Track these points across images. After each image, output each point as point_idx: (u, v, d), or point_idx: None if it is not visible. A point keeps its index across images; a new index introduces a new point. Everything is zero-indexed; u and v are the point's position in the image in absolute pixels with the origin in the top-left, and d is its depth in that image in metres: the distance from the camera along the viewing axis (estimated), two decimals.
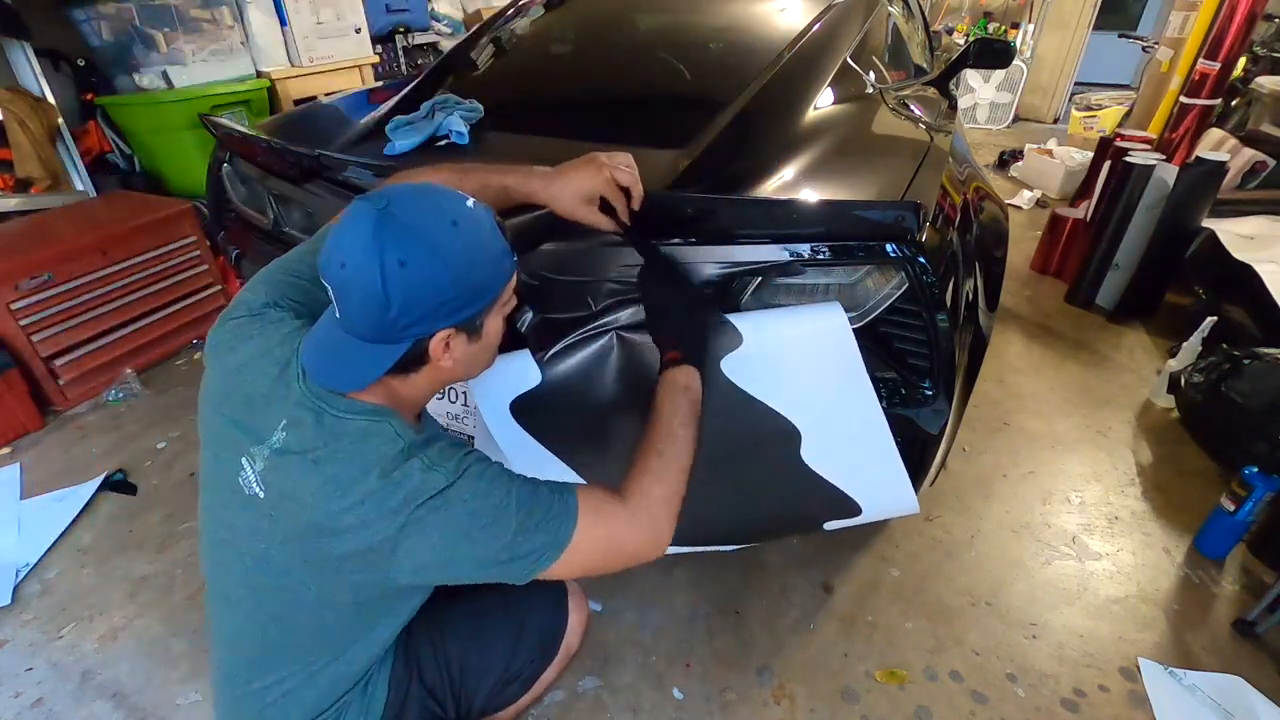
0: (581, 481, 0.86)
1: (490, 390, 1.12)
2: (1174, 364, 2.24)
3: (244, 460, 0.78)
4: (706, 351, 0.99)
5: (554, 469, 1.15)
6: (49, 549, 1.71)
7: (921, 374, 1.10)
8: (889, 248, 1.01)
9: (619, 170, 0.98)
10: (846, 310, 1.08)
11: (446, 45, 3.90)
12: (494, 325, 0.83)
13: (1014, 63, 2.94)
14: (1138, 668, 1.43)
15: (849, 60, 1.61)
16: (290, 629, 0.83)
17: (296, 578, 0.78)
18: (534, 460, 1.15)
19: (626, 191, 1.00)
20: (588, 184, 0.97)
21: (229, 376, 0.83)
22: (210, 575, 0.88)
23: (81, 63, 2.75)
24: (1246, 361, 1.94)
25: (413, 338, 0.75)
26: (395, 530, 0.73)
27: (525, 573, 0.78)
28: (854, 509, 1.20)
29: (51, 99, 2.60)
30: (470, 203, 0.77)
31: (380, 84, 2.89)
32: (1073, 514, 1.83)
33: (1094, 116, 4.98)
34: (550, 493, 0.80)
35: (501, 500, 0.76)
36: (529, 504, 0.77)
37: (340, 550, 0.75)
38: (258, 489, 0.77)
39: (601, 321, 1.08)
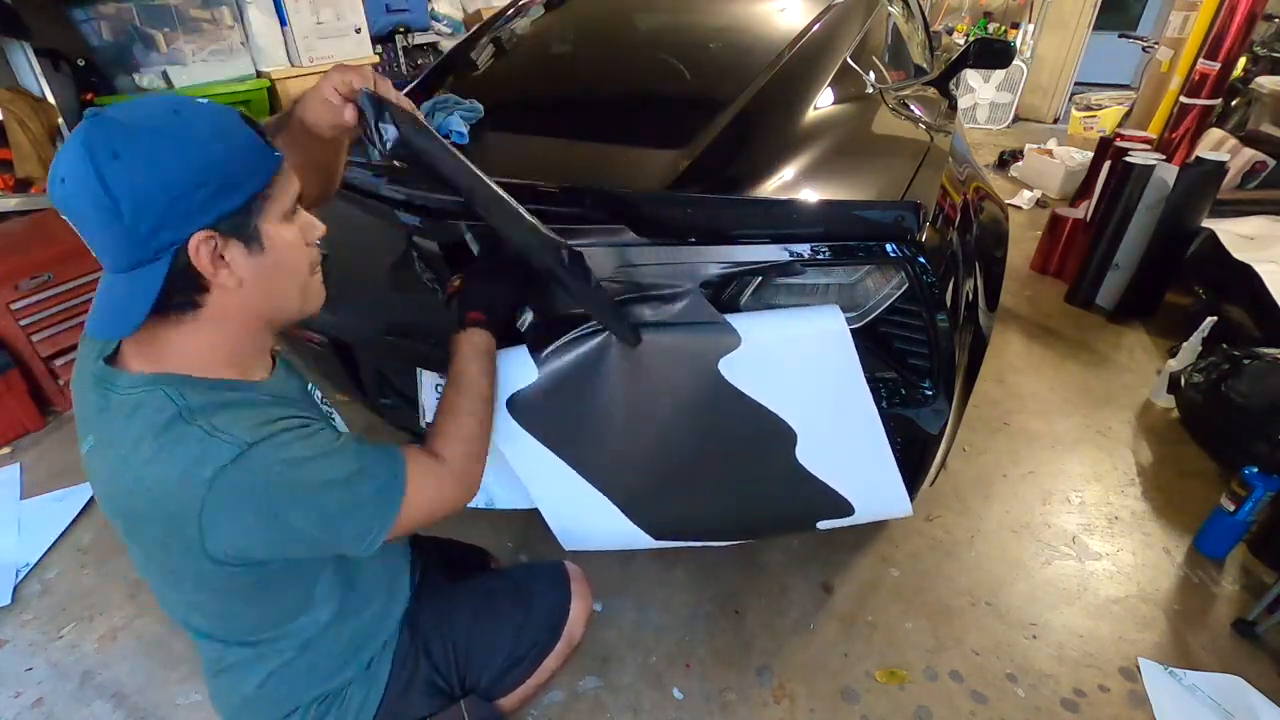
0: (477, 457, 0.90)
1: None
2: (1174, 364, 2.24)
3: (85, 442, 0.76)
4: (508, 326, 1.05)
5: (552, 465, 1.15)
6: (49, 549, 1.71)
7: (921, 374, 1.10)
8: (889, 248, 1.01)
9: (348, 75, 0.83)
10: (846, 310, 1.08)
11: (446, 45, 3.90)
12: (281, 234, 0.72)
13: (1014, 63, 2.94)
14: (1138, 668, 1.43)
15: (849, 60, 1.61)
16: (208, 615, 0.83)
17: (165, 571, 0.77)
18: (532, 456, 1.15)
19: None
20: (323, 86, 0.83)
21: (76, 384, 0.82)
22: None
23: (81, 63, 2.75)
24: (1246, 361, 1.94)
25: (167, 247, 0.64)
26: (191, 505, 0.66)
27: (361, 540, 0.76)
28: (847, 509, 1.20)
29: (51, 99, 2.59)
30: (204, 101, 0.69)
31: None
32: (1073, 514, 1.83)
33: (1094, 116, 4.98)
34: (374, 461, 0.78)
35: (315, 468, 0.72)
36: (350, 472, 0.75)
37: (153, 534, 0.72)
38: (89, 468, 0.75)
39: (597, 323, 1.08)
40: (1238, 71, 3.64)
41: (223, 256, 0.67)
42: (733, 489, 1.21)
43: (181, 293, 0.68)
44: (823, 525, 1.27)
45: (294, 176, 0.74)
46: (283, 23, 3.01)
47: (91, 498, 1.85)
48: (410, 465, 0.81)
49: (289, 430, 0.72)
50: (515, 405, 1.10)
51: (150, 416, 0.68)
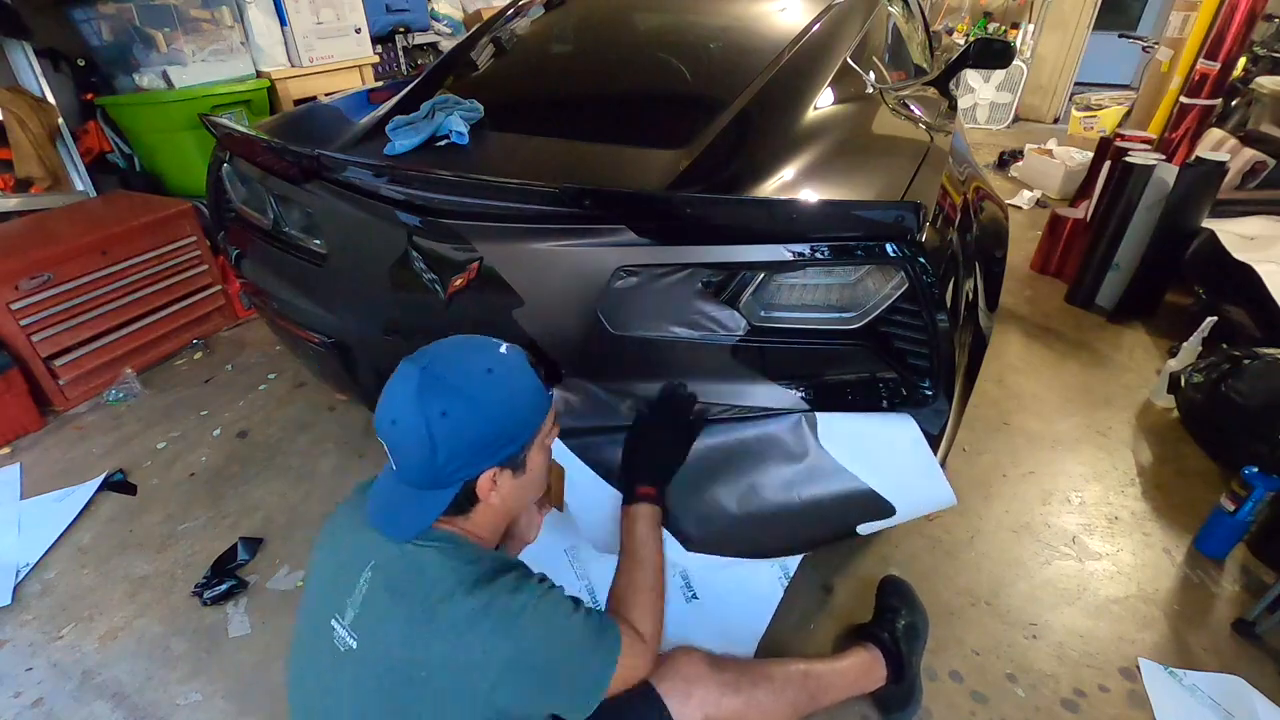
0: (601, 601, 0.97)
1: None
2: (1174, 364, 2.24)
3: (335, 620, 0.84)
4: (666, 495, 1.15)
5: (600, 490, 1.20)
6: (49, 549, 1.71)
7: (921, 374, 1.10)
8: (889, 248, 1.01)
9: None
10: (846, 310, 1.09)
11: (446, 45, 3.90)
12: (537, 459, 0.91)
13: (1014, 63, 2.94)
14: (1138, 668, 1.43)
15: (849, 60, 1.61)
16: None
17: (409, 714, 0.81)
18: (580, 479, 1.20)
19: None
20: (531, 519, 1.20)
21: (325, 555, 0.93)
22: None
23: (81, 63, 2.75)
24: (1246, 361, 1.94)
25: (460, 480, 0.83)
26: (490, 646, 0.77)
27: (585, 706, 0.85)
28: (888, 510, 1.21)
29: (51, 99, 2.60)
30: (503, 348, 0.87)
31: (380, 84, 2.89)
32: (1073, 514, 1.83)
33: (1094, 116, 4.98)
34: (599, 627, 0.88)
35: (582, 624, 0.85)
36: (598, 631, 0.87)
37: (441, 680, 0.78)
38: (350, 641, 0.82)
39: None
40: (1238, 71, 3.64)
41: (495, 482, 0.86)
42: (788, 520, 1.22)
43: (458, 506, 0.87)
44: (864, 529, 1.26)
45: (554, 409, 0.93)
46: (283, 23, 3.01)
47: (91, 498, 1.85)
48: (623, 638, 0.89)
49: (553, 586, 0.87)
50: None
51: (462, 568, 0.82)
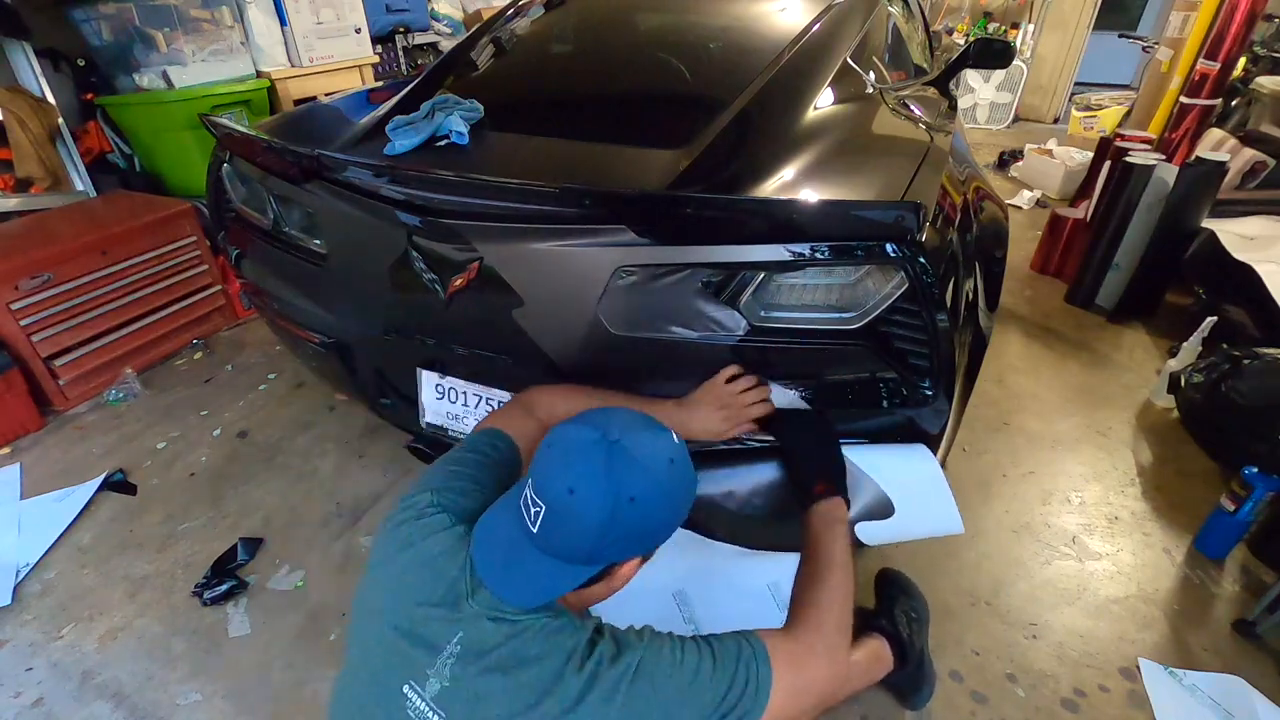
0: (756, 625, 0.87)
1: None
2: (1174, 364, 2.24)
3: (409, 687, 0.75)
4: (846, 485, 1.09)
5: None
6: (49, 549, 1.71)
7: (921, 374, 1.10)
8: (889, 248, 1.01)
9: (744, 413, 1.11)
10: (846, 310, 1.09)
11: (446, 45, 3.90)
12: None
13: (1014, 63, 2.94)
14: (1138, 668, 1.43)
15: (849, 60, 1.61)
16: None
17: None
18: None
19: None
20: (715, 427, 1.11)
21: (393, 590, 0.82)
22: None
23: (81, 63, 2.75)
24: (1246, 361, 1.94)
25: (609, 561, 0.78)
26: (600, 716, 0.72)
27: None
28: (889, 509, 1.22)
29: (51, 99, 2.59)
30: (675, 438, 0.82)
31: (380, 84, 2.89)
32: (1073, 514, 1.83)
33: (1094, 116, 4.98)
34: (739, 646, 0.81)
35: (696, 662, 0.77)
36: (720, 659, 0.78)
37: None
38: (432, 715, 0.74)
39: None
40: (1238, 71, 3.64)
41: (630, 567, 0.82)
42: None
43: (588, 584, 0.80)
44: (865, 536, 1.26)
45: None
46: (283, 23, 3.01)
47: (91, 498, 1.85)
48: (773, 655, 0.81)
49: (654, 632, 0.81)
50: None
51: (566, 643, 0.75)
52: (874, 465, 1.17)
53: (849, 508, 1.07)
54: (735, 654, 0.79)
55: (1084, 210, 3.02)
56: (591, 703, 0.72)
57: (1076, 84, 6.18)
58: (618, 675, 0.73)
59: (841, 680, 0.87)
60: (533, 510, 0.76)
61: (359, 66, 3.36)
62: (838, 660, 0.87)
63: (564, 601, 0.81)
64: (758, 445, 1.20)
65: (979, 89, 5.90)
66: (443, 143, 1.42)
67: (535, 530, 0.76)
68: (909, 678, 1.30)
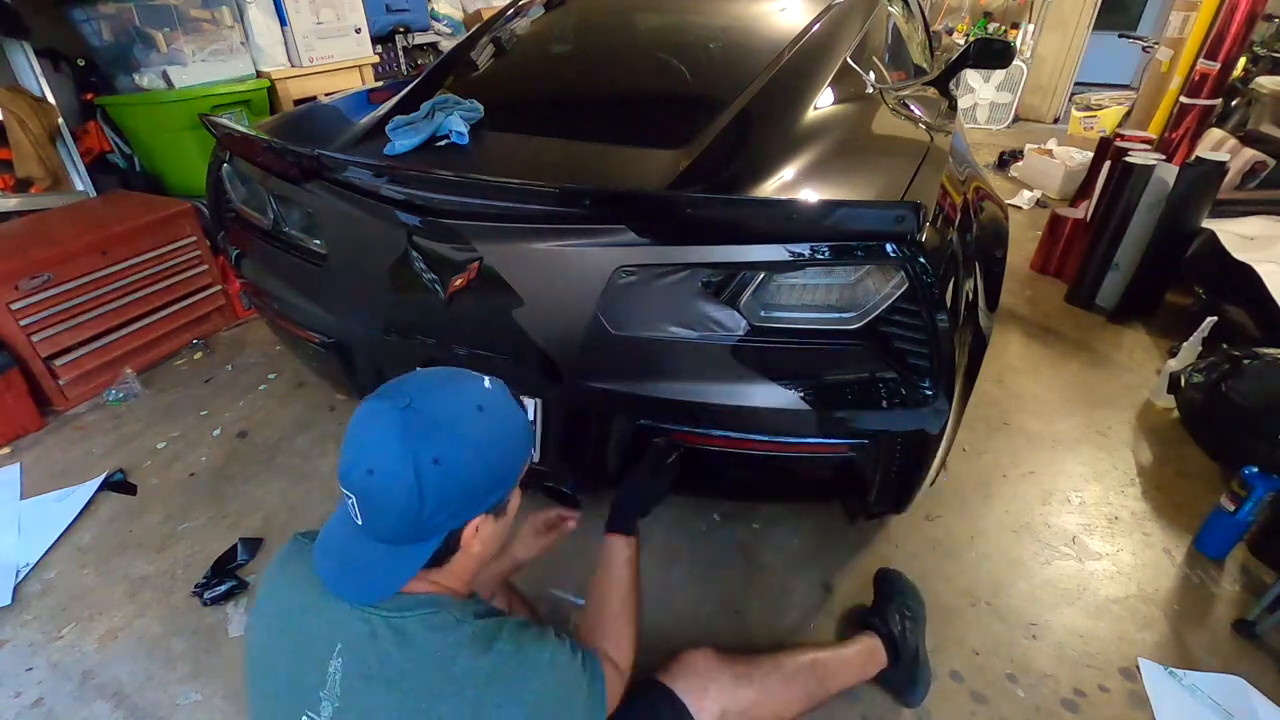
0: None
1: None
2: (1174, 364, 2.24)
3: (305, 717, 0.72)
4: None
5: None
6: (49, 549, 1.71)
7: (921, 374, 1.10)
8: (889, 248, 1.01)
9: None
10: (846, 310, 1.09)
11: (446, 45, 3.90)
12: (515, 499, 0.84)
13: (1014, 63, 2.94)
14: (1138, 668, 1.43)
15: (849, 60, 1.61)
16: None
17: None
18: None
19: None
20: (526, 540, 1.17)
21: (274, 635, 0.79)
22: None
23: (81, 63, 2.75)
24: (1246, 361, 1.94)
25: (444, 531, 0.74)
26: (501, 717, 0.71)
27: None
28: None
29: (51, 99, 2.59)
30: (487, 382, 0.78)
31: (380, 84, 2.89)
32: (1073, 514, 1.83)
33: (1094, 116, 4.98)
34: (587, 657, 0.83)
35: (572, 671, 0.78)
36: (583, 672, 0.80)
37: None
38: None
39: None
40: (1238, 71, 3.64)
41: (478, 530, 0.77)
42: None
43: (436, 559, 0.76)
44: None
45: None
46: (283, 23, 3.01)
47: (91, 498, 1.85)
48: (603, 673, 0.84)
49: (518, 629, 0.78)
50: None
51: (449, 638, 0.72)
52: None
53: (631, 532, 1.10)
54: (594, 667, 0.82)
55: (1084, 210, 3.02)
56: (489, 701, 0.70)
57: (1076, 84, 6.18)
58: (511, 671, 0.72)
59: (611, 707, 0.89)
60: (349, 502, 0.72)
61: (359, 66, 3.36)
62: (616, 692, 0.89)
63: (433, 585, 0.77)
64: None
65: (979, 89, 5.90)
66: (443, 143, 1.42)
67: (360, 522, 0.72)
68: (903, 675, 1.32)
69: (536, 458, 1.32)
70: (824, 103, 1.47)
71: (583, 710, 0.79)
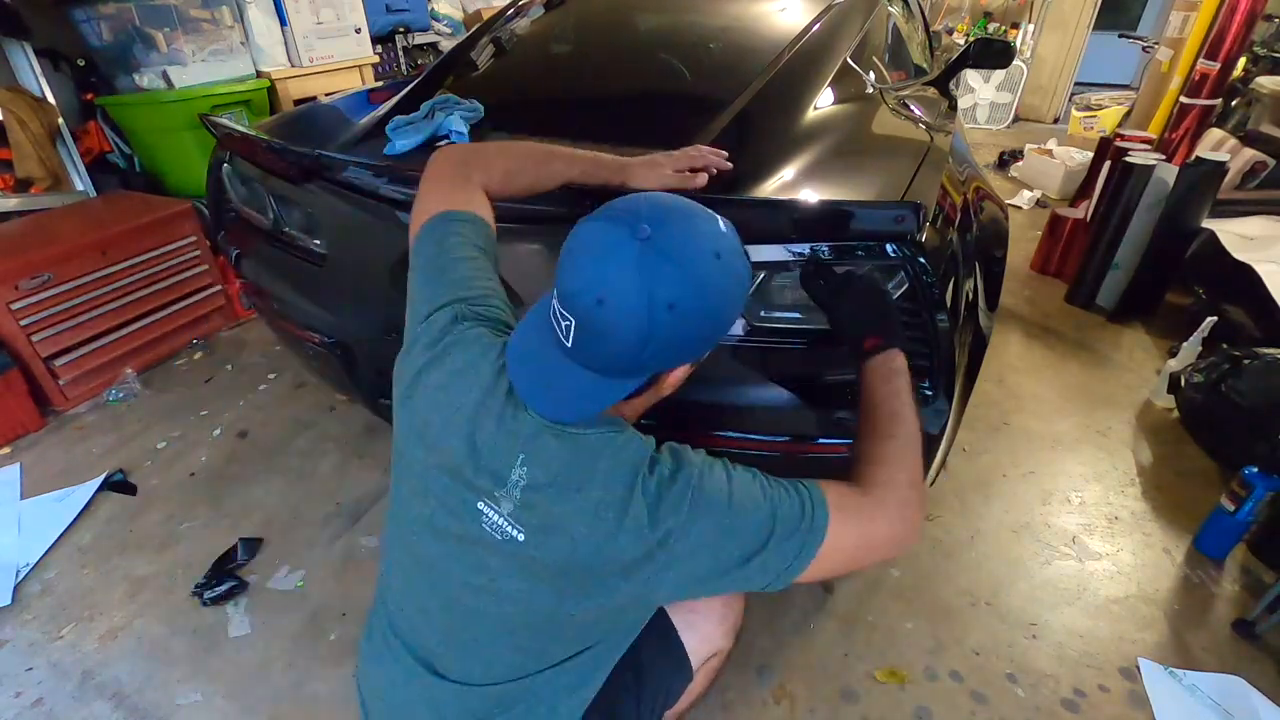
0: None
1: None
2: (1174, 364, 2.24)
3: (483, 505, 0.74)
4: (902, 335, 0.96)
5: None
6: (49, 549, 1.71)
7: (921, 374, 1.10)
8: (889, 248, 1.01)
9: (680, 165, 1.05)
10: None
11: (446, 45, 3.90)
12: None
13: (1014, 63, 2.94)
14: (1138, 668, 1.43)
15: (849, 60, 1.61)
16: (542, 658, 0.81)
17: (566, 609, 0.75)
18: None
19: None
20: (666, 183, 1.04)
21: (439, 405, 0.77)
22: (448, 627, 0.82)
23: (81, 63, 2.75)
24: (1246, 361, 1.94)
25: (653, 371, 0.72)
26: (665, 533, 0.69)
27: (782, 573, 0.73)
28: None
29: (51, 99, 2.59)
30: (723, 225, 0.71)
31: (380, 84, 2.89)
32: (1073, 514, 1.83)
33: (1094, 116, 4.98)
34: (796, 488, 0.75)
35: (750, 489, 0.73)
36: (778, 494, 0.74)
37: (617, 569, 0.71)
38: (514, 532, 0.73)
39: None
40: (1238, 71, 3.64)
41: (677, 373, 0.75)
42: None
43: (633, 395, 0.73)
44: None
45: None
46: (283, 23, 3.01)
47: (91, 498, 1.85)
48: (835, 504, 0.75)
49: (704, 456, 0.76)
50: None
51: (634, 456, 0.72)
52: None
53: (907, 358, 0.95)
54: (793, 497, 0.74)
55: (1084, 210, 3.02)
56: (662, 517, 0.69)
57: (1076, 84, 6.18)
58: (681, 490, 0.70)
59: (910, 540, 0.80)
60: (563, 324, 0.68)
61: (359, 66, 3.36)
62: (909, 518, 0.79)
63: (617, 411, 0.76)
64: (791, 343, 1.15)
65: (979, 89, 5.90)
66: (443, 143, 1.42)
67: (569, 345, 0.68)
68: None
69: None
70: (824, 103, 1.47)
71: (782, 552, 0.72)
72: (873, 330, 0.94)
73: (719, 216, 0.72)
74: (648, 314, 0.64)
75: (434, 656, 0.84)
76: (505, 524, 0.73)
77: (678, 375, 0.76)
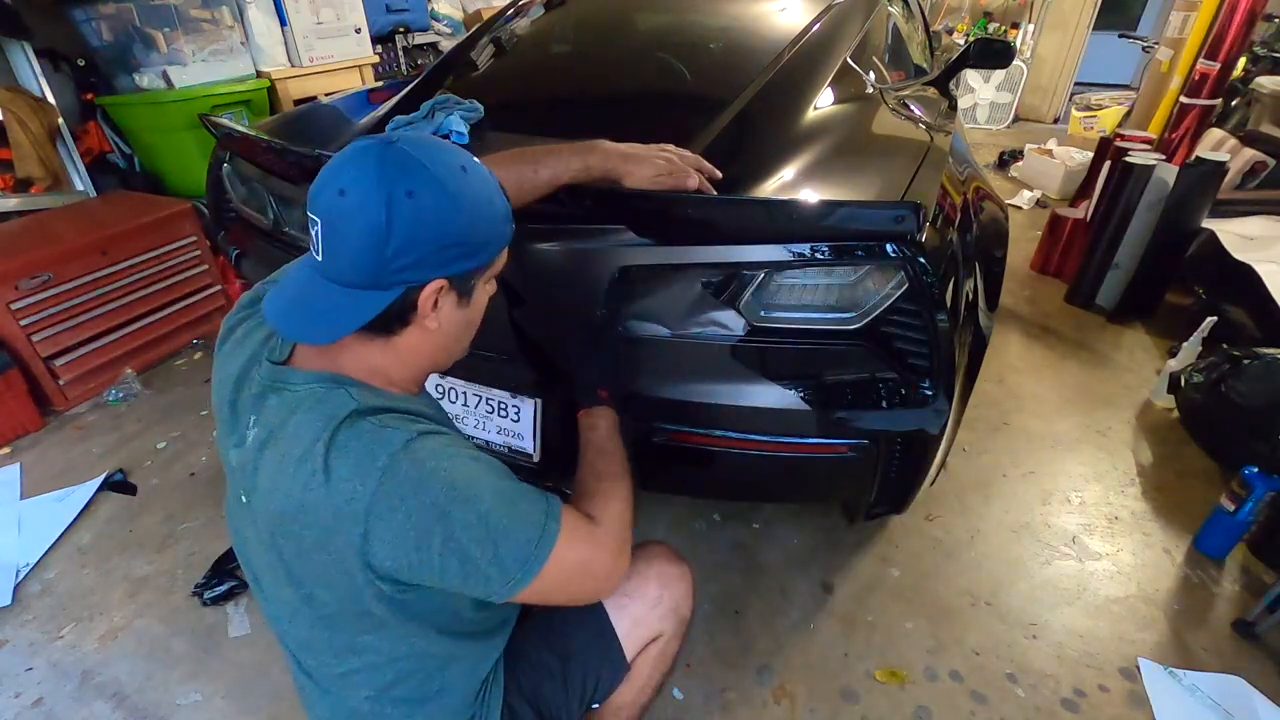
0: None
1: None
2: (1174, 364, 2.24)
3: (233, 474, 0.76)
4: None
5: None
6: (49, 549, 1.71)
7: (921, 374, 1.10)
8: (889, 248, 1.01)
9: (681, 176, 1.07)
10: (846, 310, 1.09)
11: (446, 45, 3.90)
12: (482, 296, 0.79)
13: (1014, 63, 2.94)
14: (1138, 668, 1.43)
15: (849, 60, 1.61)
16: (340, 648, 0.78)
17: (308, 586, 0.72)
18: None
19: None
20: (646, 173, 1.05)
21: (219, 385, 0.80)
22: (264, 610, 0.83)
23: (81, 63, 2.75)
24: (1246, 361, 1.94)
25: (404, 284, 0.69)
26: (361, 500, 0.65)
27: (504, 579, 0.70)
28: None
29: (51, 99, 2.60)
30: (475, 159, 0.74)
31: (380, 84, 2.89)
32: (1073, 514, 1.83)
33: (1094, 116, 4.98)
34: (531, 493, 0.74)
35: (476, 475, 0.70)
36: (509, 492, 0.72)
37: (312, 539, 0.68)
38: (244, 497, 0.74)
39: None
40: (1238, 71, 3.64)
41: (437, 304, 0.72)
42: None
43: (390, 321, 0.71)
44: None
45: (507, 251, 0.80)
46: (283, 23, 3.01)
47: (91, 498, 1.85)
48: (564, 514, 0.75)
49: (451, 437, 0.73)
50: None
51: (330, 412, 0.68)
52: None
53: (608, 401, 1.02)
54: (527, 499, 0.73)
55: (1084, 210, 3.02)
56: (343, 473, 0.65)
57: (1076, 84, 6.18)
58: (370, 453, 0.66)
59: (616, 581, 0.82)
60: (313, 232, 0.68)
61: (359, 66, 3.36)
62: (624, 559, 0.82)
63: (370, 373, 0.73)
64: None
65: (979, 89, 5.90)
66: None
67: (320, 257, 0.68)
68: None
69: (536, 457, 1.32)
70: (824, 103, 1.47)
71: (513, 541, 0.70)
72: (607, 382, 1.04)
73: (475, 159, 0.74)
74: (387, 200, 0.64)
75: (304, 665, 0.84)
76: (242, 491, 0.74)
77: (444, 309, 0.73)
